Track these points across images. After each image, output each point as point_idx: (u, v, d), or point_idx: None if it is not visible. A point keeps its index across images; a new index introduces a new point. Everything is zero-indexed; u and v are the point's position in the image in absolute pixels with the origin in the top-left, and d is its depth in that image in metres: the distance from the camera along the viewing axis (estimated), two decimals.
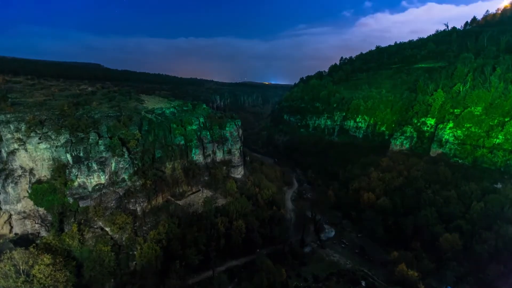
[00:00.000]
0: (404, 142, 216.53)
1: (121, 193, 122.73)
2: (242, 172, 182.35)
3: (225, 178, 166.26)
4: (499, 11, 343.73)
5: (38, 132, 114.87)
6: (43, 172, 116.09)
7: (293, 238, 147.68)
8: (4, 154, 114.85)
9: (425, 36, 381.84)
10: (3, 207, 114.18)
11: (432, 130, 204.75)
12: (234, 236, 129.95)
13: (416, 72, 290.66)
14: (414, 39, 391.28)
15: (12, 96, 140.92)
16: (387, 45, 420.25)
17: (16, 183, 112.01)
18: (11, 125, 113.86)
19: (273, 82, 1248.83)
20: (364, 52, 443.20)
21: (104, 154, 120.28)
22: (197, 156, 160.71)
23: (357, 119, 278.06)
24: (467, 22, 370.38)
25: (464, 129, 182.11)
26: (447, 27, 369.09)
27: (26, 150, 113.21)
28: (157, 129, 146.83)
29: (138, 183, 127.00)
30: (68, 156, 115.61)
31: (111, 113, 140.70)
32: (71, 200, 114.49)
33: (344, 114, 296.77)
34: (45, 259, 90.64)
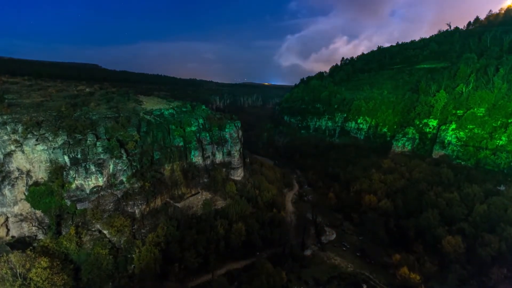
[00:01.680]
0: (406, 143, 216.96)
1: (119, 196, 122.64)
2: (242, 174, 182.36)
3: (224, 180, 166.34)
4: (502, 11, 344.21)
5: (35, 133, 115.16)
6: (40, 174, 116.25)
7: (293, 240, 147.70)
8: (1, 156, 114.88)
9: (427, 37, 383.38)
10: (0, 209, 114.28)
11: (435, 131, 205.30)
12: (233, 239, 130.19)
13: (418, 72, 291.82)
14: (416, 39, 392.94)
15: (9, 97, 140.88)
16: (389, 45, 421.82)
17: (13, 185, 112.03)
18: (7, 127, 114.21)
19: (273, 83, 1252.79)
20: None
21: (102, 156, 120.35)
22: (196, 158, 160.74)
23: (359, 120, 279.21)
24: (469, 22, 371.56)
25: (466, 131, 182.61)
26: (450, 27, 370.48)
27: (23, 151, 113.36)
28: (156, 130, 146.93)
29: (136, 185, 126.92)
30: (66, 158, 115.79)
31: (109, 114, 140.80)
32: (68, 203, 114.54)
33: (345, 115, 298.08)
34: (42, 262, 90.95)
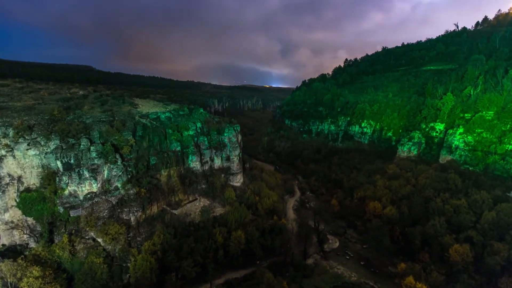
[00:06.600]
0: (412, 148, 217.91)
1: (114, 202, 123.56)
2: (242, 180, 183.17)
3: (223, 186, 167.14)
4: None
5: (26, 138, 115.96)
6: (32, 180, 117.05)
7: (295, 249, 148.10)
8: None
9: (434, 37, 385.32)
10: None
11: (441, 135, 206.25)
12: (232, 247, 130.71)
13: (424, 74, 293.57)
14: (423, 40, 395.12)
15: None
16: (393, 46, 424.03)
17: (3, 192, 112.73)
18: None
19: (273, 85, 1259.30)
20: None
21: (96, 161, 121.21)
22: (194, 163, 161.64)
23: (363, 124, 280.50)
24: (478, 22, 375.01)
25: (475, 135, 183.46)
26: (457, 27, 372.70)
27: (14, 156, 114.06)
28: (152, 134, 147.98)
29: (132, 191, 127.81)
30: (58, 163, 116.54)
31: (104, 118, 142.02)
32: (61, 210, 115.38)
33: (348, 118, 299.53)
34: (34, 271, 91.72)
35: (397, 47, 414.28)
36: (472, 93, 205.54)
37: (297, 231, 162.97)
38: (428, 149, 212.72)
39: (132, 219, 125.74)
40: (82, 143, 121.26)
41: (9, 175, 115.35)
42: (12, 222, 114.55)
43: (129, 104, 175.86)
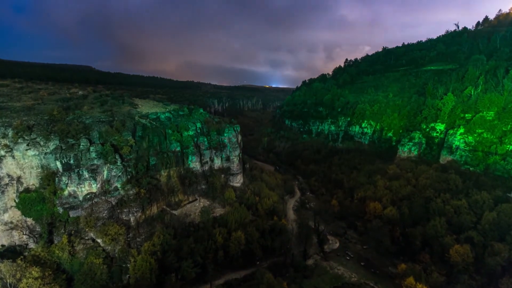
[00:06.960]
0: (412, 148, 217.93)
1: (113, 203, 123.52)
2: (241, 180, 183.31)
3: (223, 187, 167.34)
4: None
5: (26, 138, 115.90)
6: (32, 180, 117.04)
7: (295, 249, 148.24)
8: None
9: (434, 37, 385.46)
10: None
11: (442, 136, 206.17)
12: (232, 248, 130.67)
13: (425, 74, 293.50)
14: (423, 40, 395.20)
15: None
16: (394, 46, 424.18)
17: (2, 192, 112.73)
18: None
19: (273, 86, 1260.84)
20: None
21: (95, 162, 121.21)
22: (194, 164, 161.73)
23: (363, 124, 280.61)
24: (478, 22, 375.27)
25: (475, 135, 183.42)
26: (458, 27, 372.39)
27: (13, 157, 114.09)
28: (152, 135, 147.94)
29: (131, 192, 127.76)
30: (58, 163, 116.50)
31: (103, 118, 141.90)
32: (61, 210, 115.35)
33: (349, 119, 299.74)
34: (33, 272, 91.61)
35: (397, 47, 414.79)
36: (472, 93, 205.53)
37: (297, 231, 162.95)
38: (429, 149, 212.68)
39: (131, 219, 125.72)
40: (81, 144, 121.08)
41: (9, 175, 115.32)
42: (11, 222, 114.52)
43: (129, 104, 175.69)
